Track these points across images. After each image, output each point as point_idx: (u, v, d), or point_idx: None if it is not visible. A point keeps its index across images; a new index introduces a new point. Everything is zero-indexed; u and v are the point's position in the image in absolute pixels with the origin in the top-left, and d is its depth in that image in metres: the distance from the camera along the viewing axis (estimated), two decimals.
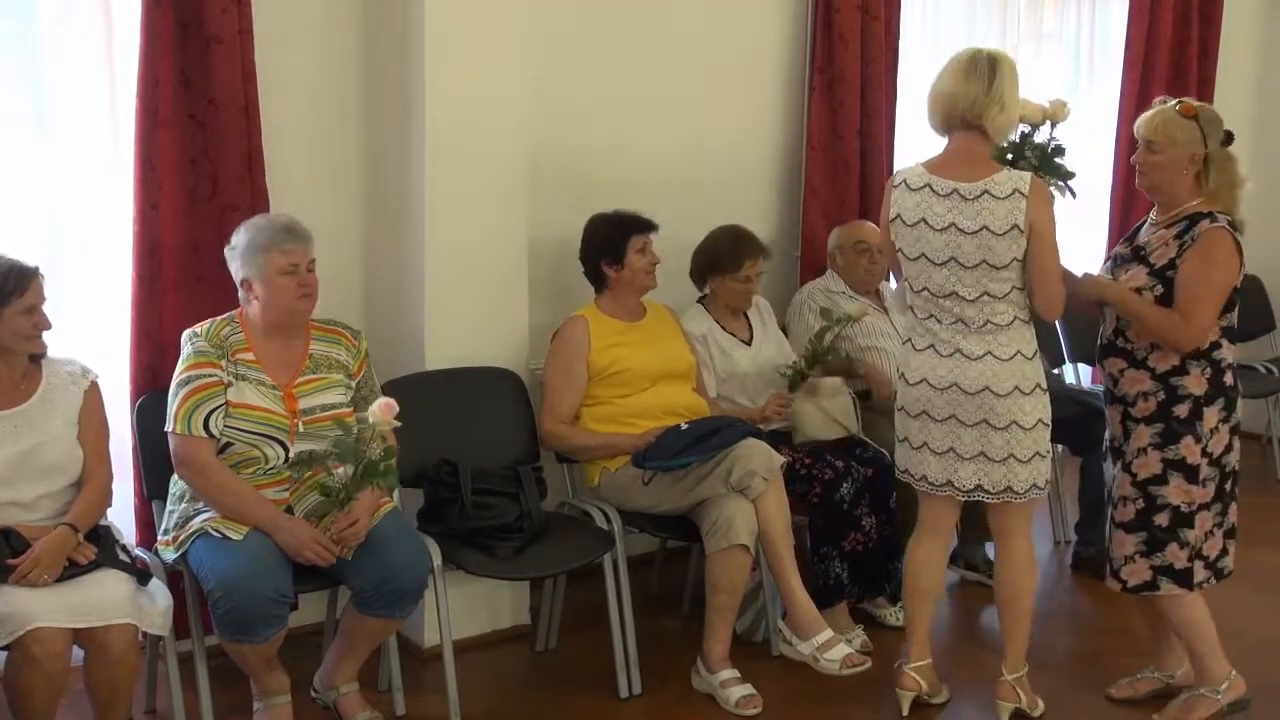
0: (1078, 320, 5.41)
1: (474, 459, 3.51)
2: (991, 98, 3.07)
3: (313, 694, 3.34)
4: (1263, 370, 5.80)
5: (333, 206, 3.77)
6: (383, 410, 2.94)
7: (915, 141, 5.03)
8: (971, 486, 3.23)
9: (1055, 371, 5.05)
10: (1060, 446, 4.90)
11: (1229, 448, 3.29)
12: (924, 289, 3.18)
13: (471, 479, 3.44)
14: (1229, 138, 3.29)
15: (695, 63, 4.46)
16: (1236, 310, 3.28)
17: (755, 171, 4.72)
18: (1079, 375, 5.46)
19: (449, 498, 3.44)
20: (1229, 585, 4.44)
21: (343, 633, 3.26)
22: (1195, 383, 3.21)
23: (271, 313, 3.15)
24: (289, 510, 3.09)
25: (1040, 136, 3.51)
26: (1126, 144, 5.65)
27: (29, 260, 2.93)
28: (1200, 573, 3.29)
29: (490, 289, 3.77)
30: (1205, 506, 3.27)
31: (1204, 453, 3.23)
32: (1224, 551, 3.36)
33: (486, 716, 3.43)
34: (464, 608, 3.73)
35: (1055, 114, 3.48)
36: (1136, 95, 5.61)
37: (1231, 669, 3.39)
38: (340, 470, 3.01)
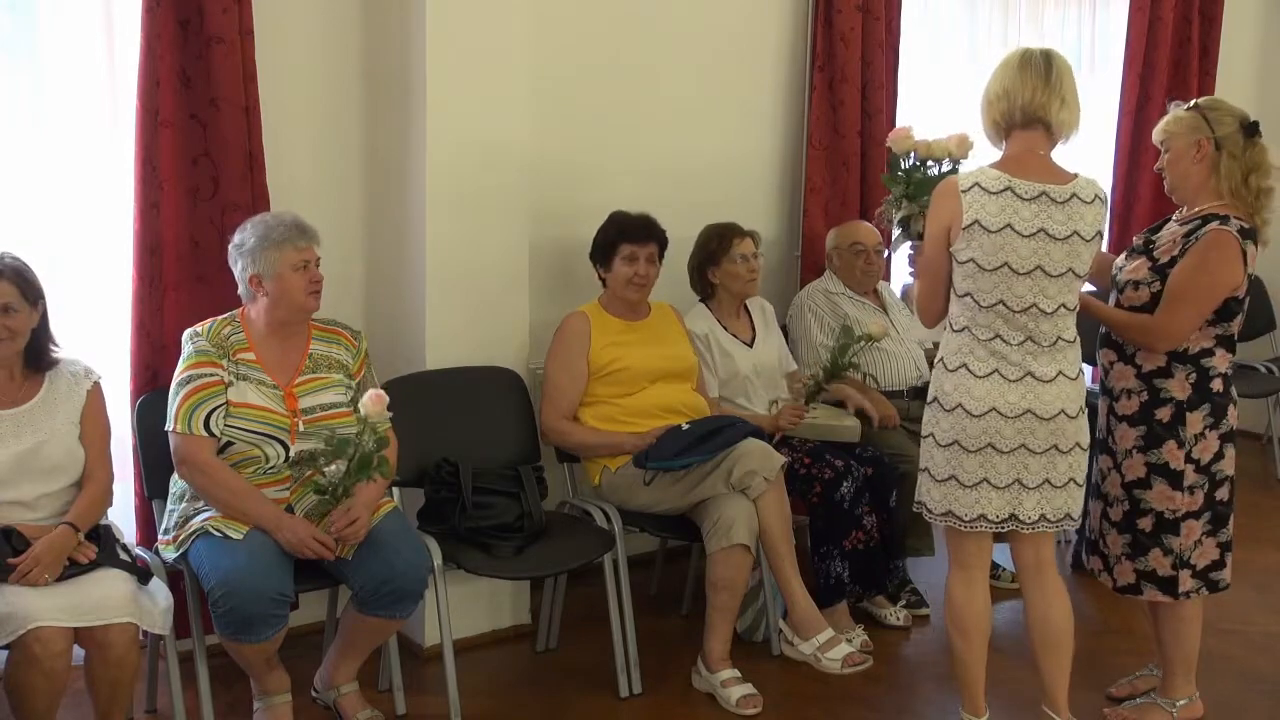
0: (1076, 320, 5.44)
1: (475, 458, 3.52)
2: (1051, 91, 2.86)
3: (313, 693, 3.34)
4: (1263, 370, 5.80)
5: (333, 206, 3.77)
6: (373, 402, 2.95)
7: None
8: (1036, 518, 2.98)
9: None
10: None
11: (1219, 455, 3.20)
12: (998, 303, 2.88)
13: (472, 478, 3.45)
14: (1251, 128, 3.15)
15: (695, 62, 4.46)
16: (1239, 320, 3.19)
17: (755, 171, 4.73)
18: None
19: (450, 497, 3.44)
20: None
21: (343, 632, 3.27)
22: (1178, 387, 3.15)
23: (280, 309, 3.16)
24: (289, 509, 3.09)
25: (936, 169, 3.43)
26: (1127, 143, 5.67)
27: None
28: (1187, 582, 3.22)
29: (490, 288, 3.77)
30: (1193, 515, 3.20)
31: (1189, 459, 3.16)
32: (1219, 563, 3.26)
33: (487, 716, 3.43)
34: (464, 607, 3.74)
35: (960, 149, 3.29)
36: (1137, 95, 5.62)
37: (1196, 691, 3.37)
38: (333, 467, 3.01)
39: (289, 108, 3.63)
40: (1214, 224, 3.10)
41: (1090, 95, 5.67)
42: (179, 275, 3.42)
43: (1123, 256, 3.34)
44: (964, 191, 2.86)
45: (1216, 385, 3.18)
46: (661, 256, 3.82)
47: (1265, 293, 6.27)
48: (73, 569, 2.83)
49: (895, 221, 3.20)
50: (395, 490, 3.45)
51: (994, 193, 2.84)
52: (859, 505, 3.82)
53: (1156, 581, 3.24)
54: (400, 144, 3.69)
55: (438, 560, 3.25)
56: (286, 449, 3.11)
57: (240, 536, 2.97)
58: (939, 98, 5.16)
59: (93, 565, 2.86)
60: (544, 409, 3.76)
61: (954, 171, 3.28)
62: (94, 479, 3.00)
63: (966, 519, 2.98)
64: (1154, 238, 3.26)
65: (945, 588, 3.13)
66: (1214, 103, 3.21)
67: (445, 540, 3.35)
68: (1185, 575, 3.22)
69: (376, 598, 3.05)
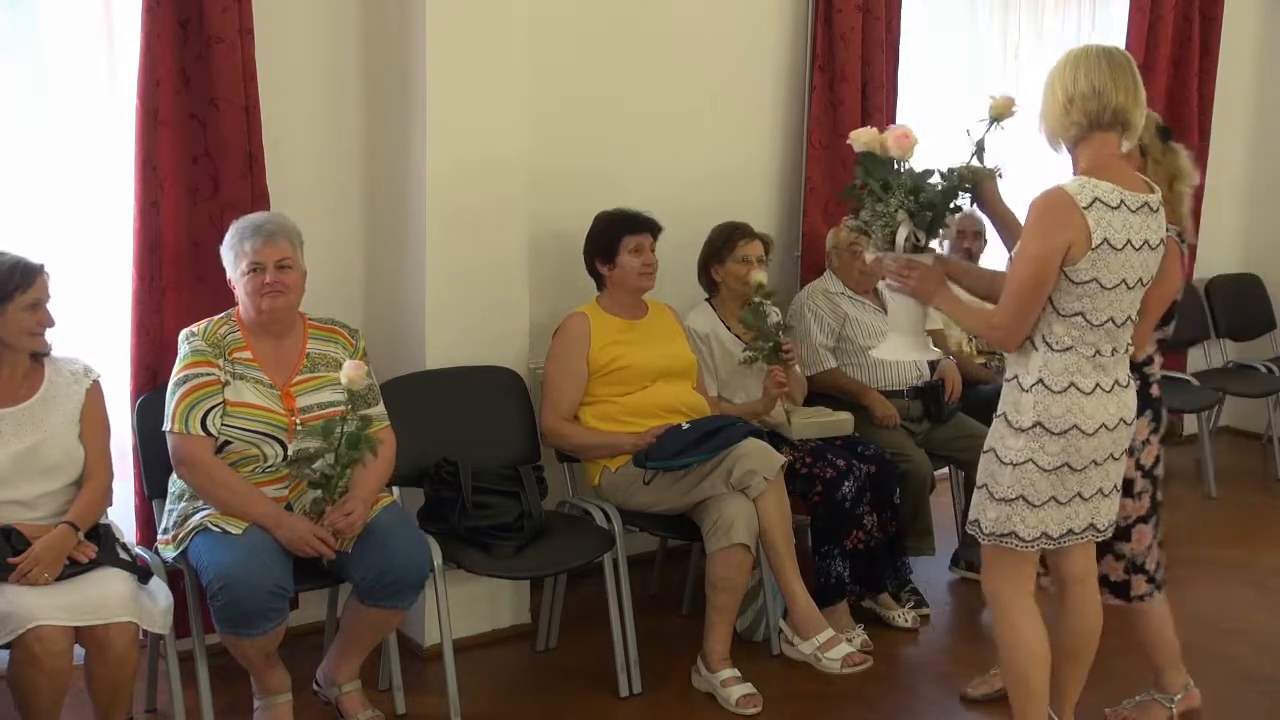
0: None
1: (474, 458, 3.51)
2: (1138, 94, 2.74)
3: (314, 688, 3.34)
4: (1263, 370, 5.80)
5: (333, 205, 3.77)
6: (354, 369, 2.97)
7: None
8: (1107, 524, 2.92)
9: None
10: None
11: (1158, 459, 3.22)
12: (1109, 319, 2.75)
13: (472, 478, 3.45)
14: (1165, 133, 3.12)
15: (695, 62, 4.46)
16: (1174, 324, 3.19)
17: (756, 171, 4.72)
18: None
19: (450, 497, 3.44)
20: (1229, 584, 4.49)
21: (344, 628, 3.27)
22: None
23: (246, 311, 3.16)
24: (288, 507, 3.10)
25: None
26: None
27: (34, 258, 2.93)
28: (1141, 585, 3.24)
29: (490, 287, 3.77)
30: (1144, 520, 3.20)
31: (1138, 465, 3.16)
32: (1160, 563, 3.28)
33: (487, 715, 3.43)
34: (464, 607, 3.74)
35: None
36: None
37: (1189, 679, 3.38)
38: (320, 461, 3.02)
39: (289, 107, 3.63)
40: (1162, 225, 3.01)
41: None
42: (178, 275, 3.42)
43: None
44: (1085, 209, 2.65)
45: (1155, 391, 3.17)
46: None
47: (1265, 293, 6.28)
48: (72, 568, 2.83)
49: (902, 241, 2.86)
50: (395, 489, 3.44)
51: (1114, 207, 2.68)
52: (860, 505, 3.82)
53: (1109, 586, 3.23)
54: (401, 143, 3.69)
55: (438, 560, 3.25)
56: (285, 448, 3.11)
57: (239, 532, 2.97)
58: (939, 98, 5.16)
59: (92, 564, 2.86)
60: (543, 410, 3.76)
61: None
62: (94, 478, 3.00)
63: (1056, 535, 2.85)
64: None
65: (1007, 623, 2.92)
66: None
67: (445, 540, 3.34)
68: (1139, 580, 3.23)
69: (377, 588, 3.05)
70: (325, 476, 3.02)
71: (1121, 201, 2.70)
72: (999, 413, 2.85)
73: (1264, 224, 6.44)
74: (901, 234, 2.84)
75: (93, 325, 3.46)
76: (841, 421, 4.06)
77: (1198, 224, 5.99)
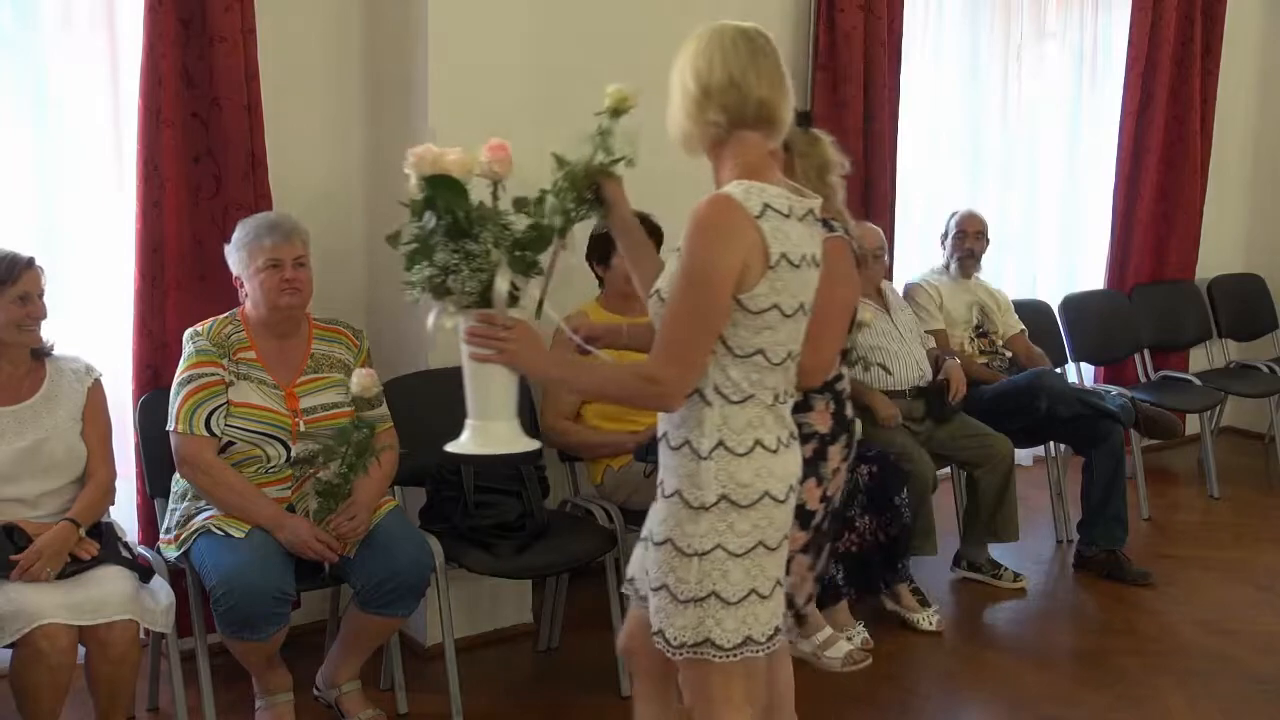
0: (1079, 320, 5.44)
1: (476, 457, 3.51)
2: (786, 85, 2.28)
3: (315, 692, 3.35)
4: (1265, 370, 5.80)
5: (335, 204, 3.77)
6: (365, 378, 2.98)
7: (917, 142, 5.03)
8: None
9: (1058, 371, 5.05)
10: (1062, 445, 4.92)
11: (840, 487, 2.88)
12: (787, 355, 2.22)
13: (474, 477, 3.45)
14: (804, 118, 2.72)
15: None
16: (854, 330, 2.93)
17: None
18: (1080, 375, 5.47)
19: (451, 496, 3.44)
20: (1229, 584, 4.48)
21: (345, 632, 3.27)
22: (820, 419, 2.79)
23: (260, 309, 3.16)
24: (290, 509, 3.10)
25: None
26: (1130, 143, 5.65)
27: (24, 252, 2.93)
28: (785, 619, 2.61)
29: None
30: (803, 550, 2.81)
31: (823, 497, 2.79)
32: (811, 595, 2.95)
33: (488, 715, 3.43)
34: (466, 606, 3.74)
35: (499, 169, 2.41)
36: (1139, 94, 5.61)
37: None
38: (330, 468, 3.03)
39: (291, 106, 3.64)
40: (820, 234, 2.45)
41: (1093, 94, 5.70)
42: (181, 274, 3.42)
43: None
44: (758, 218, 2.13)
45: (849, 411, 2.89)
46: (658, 250, 3.83)
47: (1267, 293, 6.28)
48: (74, 565, 2.84)
49: (504, 292, 2.21)
50: (397, 489, 3.45)
51: (786, 215, 2.18)
52: (850, 507, 3.79)
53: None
54: (402, 143, 3.64)
55: (440, 559, 3.25)
56: (288, 449, 3.11)
57: (242, 535, 2.97)
58: (941, 98, 5.16)
59: (94, 562, 2.87)
60: (544, 409, 3.76)
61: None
62: (95, 476, 3.01)
63: (764, 640, 2.23)
64: None
65: None
66: None
67: (447, 539, 3.34)
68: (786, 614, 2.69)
69: (378, 596, 3.06)
70: (331, 485, 3.02)
71: (790, 209, 2.20)
72: (669, 493, 2.22)
73: (1266, 224, 6.43)
74: (502, 283, 2.18)
75: (95, 324, 3.47)
76: None
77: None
